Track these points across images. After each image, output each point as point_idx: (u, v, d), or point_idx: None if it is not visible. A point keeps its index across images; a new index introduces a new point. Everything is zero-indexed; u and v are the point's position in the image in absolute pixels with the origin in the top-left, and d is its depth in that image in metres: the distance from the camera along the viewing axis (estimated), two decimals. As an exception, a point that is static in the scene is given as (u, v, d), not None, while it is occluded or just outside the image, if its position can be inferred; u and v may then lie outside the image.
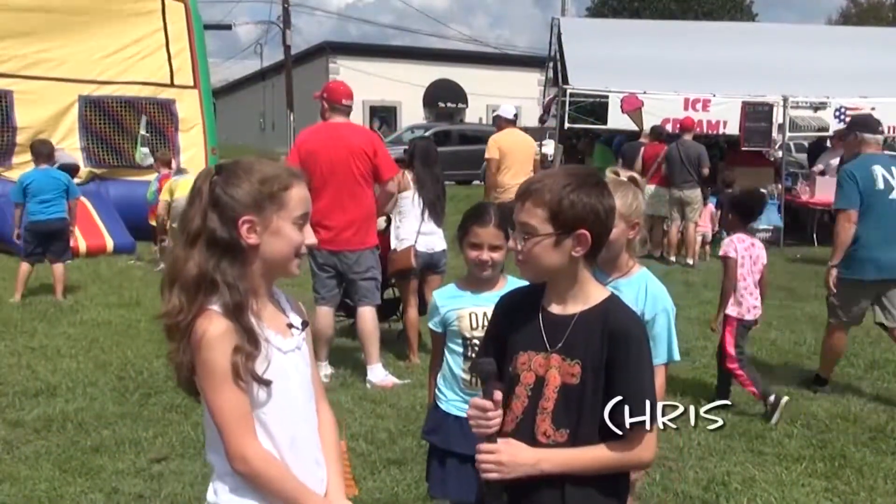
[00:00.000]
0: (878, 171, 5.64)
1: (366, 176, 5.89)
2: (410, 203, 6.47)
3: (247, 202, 1.90)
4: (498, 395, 2.01)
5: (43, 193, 8.47)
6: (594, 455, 1.97)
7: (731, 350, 5.37)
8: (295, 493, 1.92)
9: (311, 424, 2.05)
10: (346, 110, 6.09)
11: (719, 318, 5.44)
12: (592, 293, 2.06)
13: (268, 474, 1.89)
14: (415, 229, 6.46)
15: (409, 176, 6.50)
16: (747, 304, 5.38)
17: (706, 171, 11.79)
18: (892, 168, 5.70)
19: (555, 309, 2.06)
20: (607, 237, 2.09)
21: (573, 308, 2.04)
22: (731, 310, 5.38)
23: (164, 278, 1.95)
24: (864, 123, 6.18)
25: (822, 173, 13.38)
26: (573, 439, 1.99)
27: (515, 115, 9.61)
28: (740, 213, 5.64)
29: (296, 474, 1.94)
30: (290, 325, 2.02)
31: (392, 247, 6.53)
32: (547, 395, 2.01)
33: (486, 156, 9.14)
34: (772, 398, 5.27)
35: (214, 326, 1.85)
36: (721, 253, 5.52)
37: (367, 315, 6.03)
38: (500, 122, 9.50)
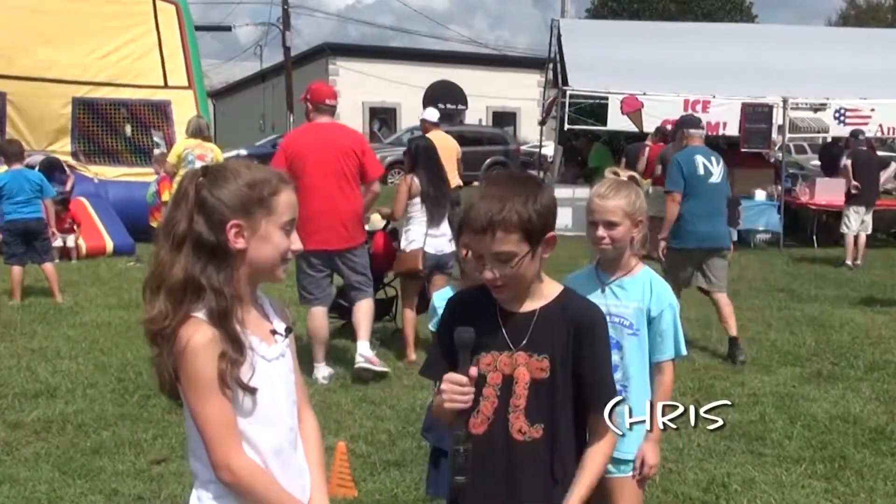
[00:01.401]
0: (700, 160, 6.83)
1: (355, 175, 5.98)
2: (420, 207, 6.50)
3: (235, 206, 1.86)
4: (473, 370, 2.02)
5: (18, 195, 8.44)
6: (594, 470, 2.07)
7: None
8: (280, 502, 1.91)
9: (295, 432, 2.03)
10: (331, 110, 6.18)
11: None
12: (547, 288, 2.13)
13: (253, 484, 1.87)
14: (423, 231, 6.48)
15: (416, 181, 6.50)
16: None
17: None
18: (711, 158, 6.92)
19: (513, 307, 2.09)
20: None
21: (531, 305, 2.09)
22: None
23: (148, 283, 1.90)
24: (689, 122, 7.54)
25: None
26: (551, 434, 2.02)
27: (440, 119, 10.37)
28: None
29: (280, 482, 1.93)
30: (274, 332, 1.99)
31: (401, 247, 6.59)
32: (518, 393, 2.04)
33: None
34: None
35: (200, 335, 1.82)
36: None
37: (367, 304, 6.14)
38: (425, 125, 10.04)
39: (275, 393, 1.95)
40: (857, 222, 11.65)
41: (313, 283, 6.00)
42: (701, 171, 6.76)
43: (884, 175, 12.58)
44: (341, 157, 5.88)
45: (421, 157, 6.61)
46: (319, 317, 6.03)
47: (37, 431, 4.92)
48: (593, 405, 2.03)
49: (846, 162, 11.86)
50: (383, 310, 7.17)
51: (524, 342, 2.05)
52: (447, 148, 9.70)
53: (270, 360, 1.95)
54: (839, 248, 12.47)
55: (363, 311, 6.13)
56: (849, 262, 11.57)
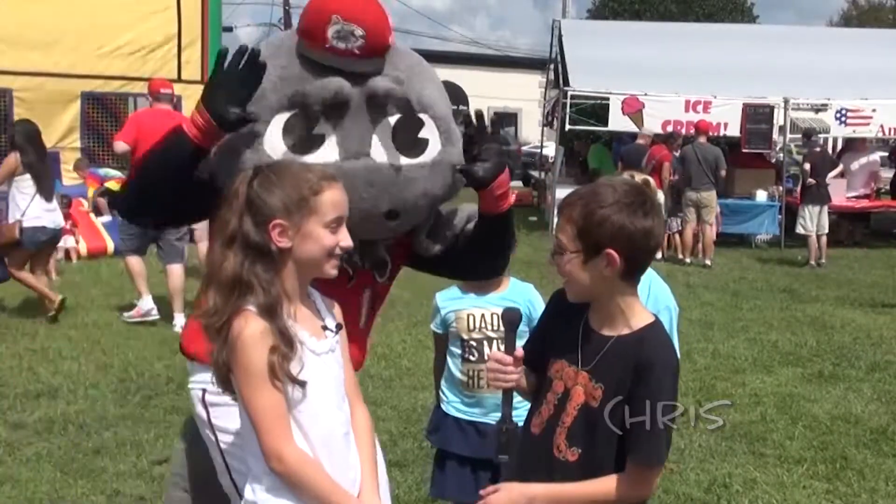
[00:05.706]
0: None
1: None
2: (30, 184, 7.38)
3: (277, 206, 1.91)
4: (520, 351, 2.02)
5: None
6: (588, 490, 1.95)
7: None
8: (329, 493, 1.94)
9: (345, 426, 2.06)
10: (165, 97, 7.67)
11: None
12: (634, 317, 1.98)
13: (303, 474, 1.91)
14: (27, 205, 7.35)
15: (20, 159, 7.37)
16: None
17: (723, 172, 11.97)
18: None
19: (596, 326, 2.01)
20: (645, 259, 1.98)
21: (611, 330, 1.98)
22: None
23: (204, 278, 2.00)
24: None
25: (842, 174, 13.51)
26: (585, 461, 1.97)
27: None
28: None
29: (329, 474, 1.96)
30: (325, 328, 2.04)
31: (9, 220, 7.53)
32: (568, 411, 1.99)
33: None
34: None
35: (251, 326, 1.87)
36: None
37: (177, 272, 7.36)
38: None
39: (324, 386, 1.99)
40: (812, 222, 11.68)
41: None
42: None
43: (833, 172, 12.69)
44: None
45: (26, 138, 7.39)
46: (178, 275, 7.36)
47: (38, 432, 4.93)
48: (629, 454, 1.92)
49: (805, 166, 12.09)
50: None
51: (591, 365, 1.97)
52: None
53: (320, 355, 1.99)
54: (840, 248, 12.48)
55: (177, 279, 7.35)
56: (812, 262, 11.59)
